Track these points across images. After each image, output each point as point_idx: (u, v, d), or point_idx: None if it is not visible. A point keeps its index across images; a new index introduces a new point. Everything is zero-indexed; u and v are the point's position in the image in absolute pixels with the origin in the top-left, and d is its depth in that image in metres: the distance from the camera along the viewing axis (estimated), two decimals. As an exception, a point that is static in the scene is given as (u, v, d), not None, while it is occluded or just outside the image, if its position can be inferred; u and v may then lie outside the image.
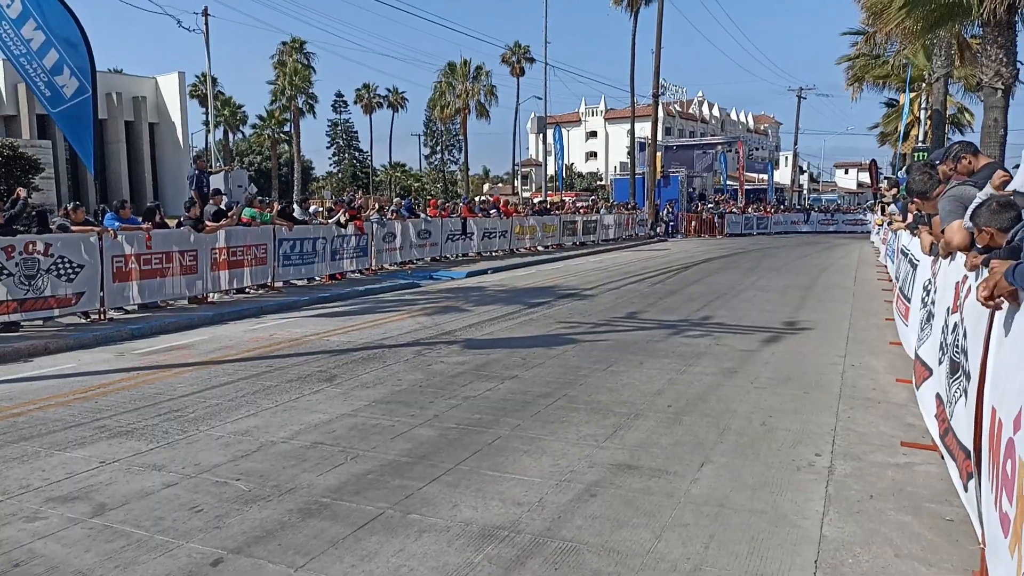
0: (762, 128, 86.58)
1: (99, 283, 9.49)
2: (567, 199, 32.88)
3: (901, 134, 25.79)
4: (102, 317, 9.59)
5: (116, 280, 9.76)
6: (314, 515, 3.57)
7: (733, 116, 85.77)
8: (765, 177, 49.33)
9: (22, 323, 8.94)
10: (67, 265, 9.17)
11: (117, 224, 10.15)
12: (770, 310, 10.26)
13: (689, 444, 4.55)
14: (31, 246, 8.84)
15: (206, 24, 22.38)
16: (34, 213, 9.92)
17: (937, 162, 5.97)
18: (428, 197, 49.13)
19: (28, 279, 8.75)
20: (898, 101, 30.54)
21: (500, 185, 67.93)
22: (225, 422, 5.14)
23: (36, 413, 5.45)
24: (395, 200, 20.30)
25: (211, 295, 11.41)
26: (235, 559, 3.12)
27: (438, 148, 74.27)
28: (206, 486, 3.94)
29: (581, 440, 4.64)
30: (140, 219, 10.98)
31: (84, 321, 9.51)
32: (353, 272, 15.03)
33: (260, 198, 13.95)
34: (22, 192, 9.60)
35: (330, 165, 73.48)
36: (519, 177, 61.41)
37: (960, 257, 3.97)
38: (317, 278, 13.91)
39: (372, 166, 71.90)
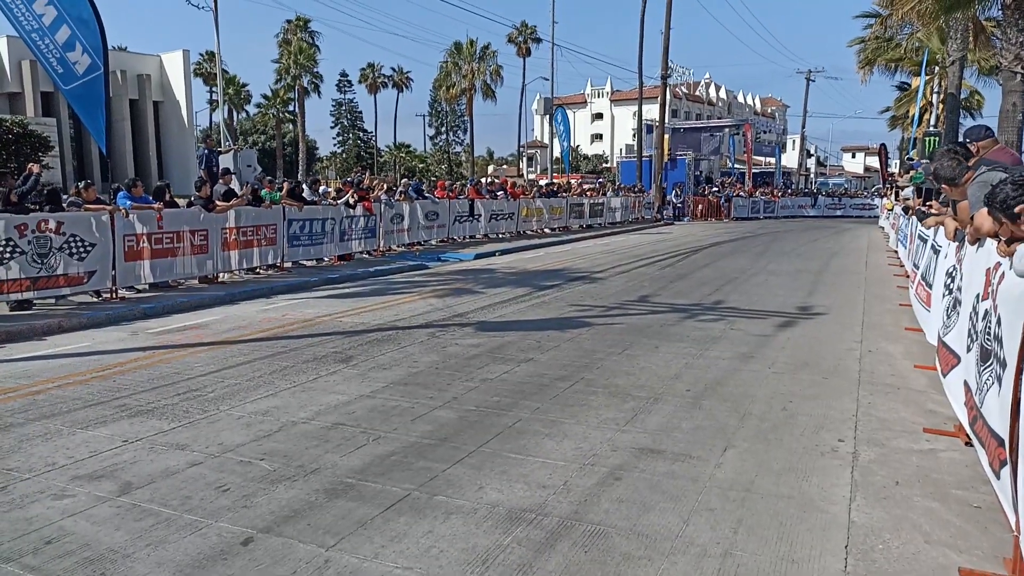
0: (769, 111, 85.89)
1: (111, 262, 9.49)
2: (573, 181, 32.72)
3: (916, 118, 25.55)
4: (113, 296, 9.60)
5: (128, 259, 9.76)
6: (340, 496, 3.57)
7: (740, 99, 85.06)
8: (772, 160, 48.99)
9: (35, 301, 8.94)
10: (79, 243, 9.16)
11: (129, 203, 10.13)
12: (782, 295, 10.22)
13: (710, 429, 4.54)
14: (43, 224, 8.83)
15: (215, 1, 22.16)
16: (44, 191, 9.89)
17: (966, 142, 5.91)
18: (433, 178, 48.94)
19: (41, 257, 8.75)
20: (910, 85, 30.23)
21: (505, 167, 67.59)
22: (244, 402, 5.14)
23: (55, 391, 5.46)
24: (403, 181, 20.22)
25: (221, 275, 11.40)
26: (265, 538, 3.13)
27: (443, 129, 73.83)
28: (231, 465, 3.95)
29: (602, 424, 4.64)
30: (151, 198, 10.96)
31: (96, 300, 9.52)
32: (361, 253, 15.01)
33: (269, 178, 13.90)
34: (35, 168, 9.57)
35: (334, 145, 73.18)
36: (524, 159, 61.12)
37: (989, 243, 3.93)
38: (326, 259, 13.90)
39: (376, 146, 71.59)
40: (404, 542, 3.10)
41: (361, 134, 73.53)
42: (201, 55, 50.01)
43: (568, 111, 37.32)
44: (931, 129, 21.46)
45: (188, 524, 3.26)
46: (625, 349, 6.77)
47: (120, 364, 6.36)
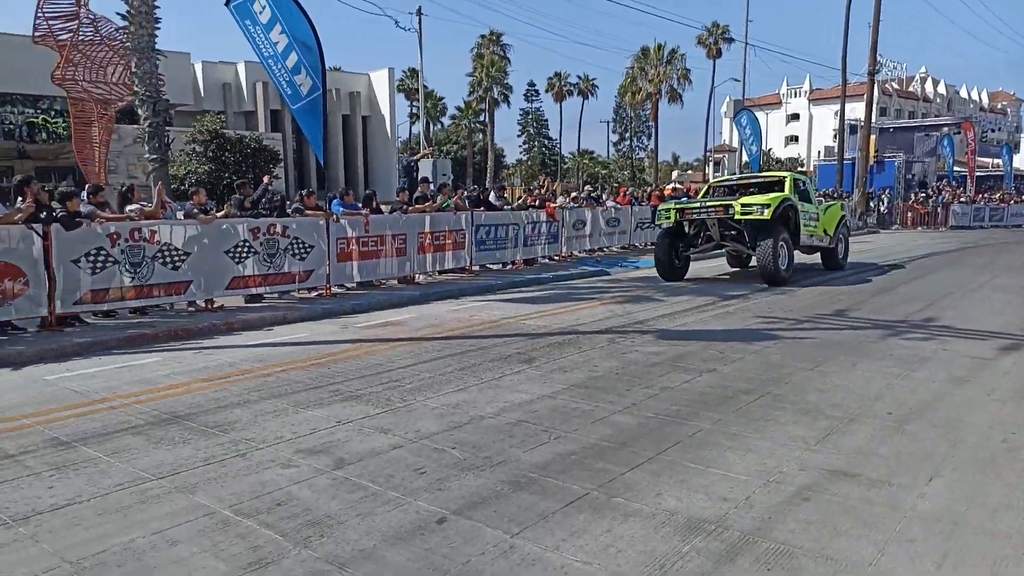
0: (999, 106, 75.88)
1: (326, 262, 10.61)
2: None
3: None
4: (327, 293, 10.70)
5: (339, 260, 10.85)
6: (524, 488, 3.77)
7: (963, 93, 76.09)
8: (1001, 162, 43.32)
9: (264, 295, 10.23)
10: (300, 245, 10.34)
11: (341, 209, 11.25)
12: (1008, 314, 9.07)
13: (914, 455, 4.20)
14: (272, 228, 10.07)
15: (419, 23, 23.94)
16: (275, 199, 11.29)
17: None
18: (615, 184, 48.90)
19: (270, 257, 9.99)
20: None
21: (690, 172, 65.86)
22: (438, 394, 5.56)
23: (282, 375, 6.25)
24: (586, 188, 20.48)
25: (417, 276, 12.29)
26: (457, 520, 3.40)
27: (627, 135, 73.53)
28: (427, 451, 4.31)
29: (789, 441, 4.46)
30: (360, 205, 12.08)
31: (311, 296, 10.67)
32: (544, 258, 15.43)
33: (461, 186, 14.76)
34: (267, 179, 10.96)
35: (520, 153, 75.57)
36: (711, 163, 59.16)
37: None
38: (510, 263, 14.46)
39: (560, 153, 72.88)
40: (583, 538, 3.22)
41: (546, 141, 75.24)
42: (404, 72, 53.96)
43: (760, 112, 35.65)
44: None
45: (391, 500, 3.62)
46: (818, 365, 6.40)
47: (333, 354, 7.12)
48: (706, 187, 15.07)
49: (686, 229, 12.53)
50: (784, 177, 13.02)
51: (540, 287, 12.38)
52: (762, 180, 13.67)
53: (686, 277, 12.84)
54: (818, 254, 13.99)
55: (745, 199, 11.76)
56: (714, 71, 77.05)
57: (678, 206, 12.57)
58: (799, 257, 13.29)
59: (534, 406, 5.24)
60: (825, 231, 13.37)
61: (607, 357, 6.82)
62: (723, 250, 13.71)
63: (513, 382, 5.93)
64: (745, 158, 37.60)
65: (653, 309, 9.64)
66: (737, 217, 11.47)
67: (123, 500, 3.66)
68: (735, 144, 52.07)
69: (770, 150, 62.75)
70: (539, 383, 5.89)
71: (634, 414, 5.03)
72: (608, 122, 73.75)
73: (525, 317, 9.19)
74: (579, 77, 67.62)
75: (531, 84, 73.49)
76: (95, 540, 3.23)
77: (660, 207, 13.36)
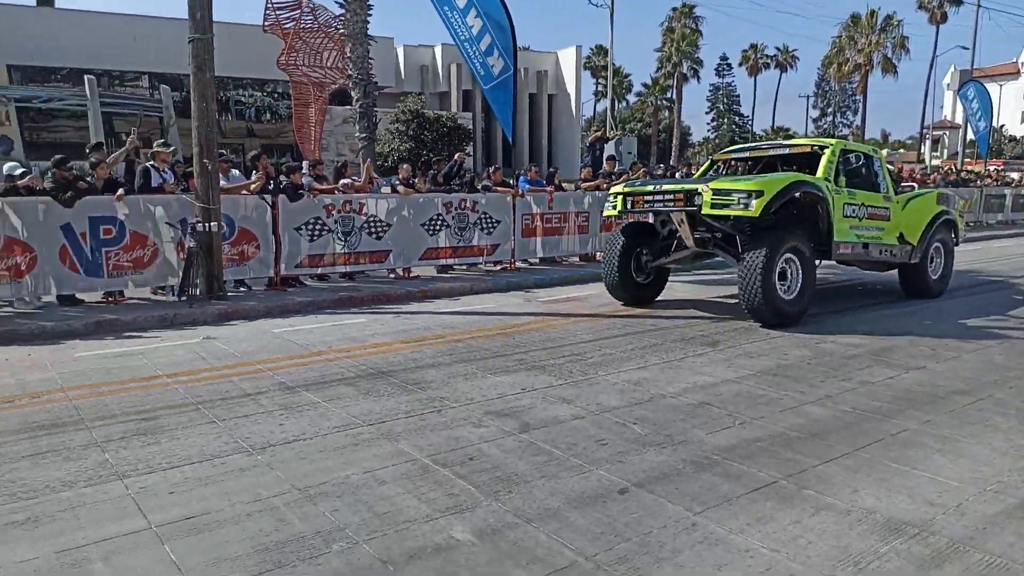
0: None
1: (511, 237, 10.98)
2: (992, 168, 27.51)
3: None
4: (511, 267, 11.09)
5: (524, 235, 11.18)
6: (706, 469, 3.74)
7: None
8: None
9: (453, 266, 10.83)
10: (488, 220, 10.78)
11: (527, 186, 11.57)
12: None
13: None
14: (464, 203, 10.59)
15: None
16: (466, 175, 11.85)
17: None
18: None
19: (460, 230, 10.53)
20: None
21: (902, 152, 59.67)
22: (619, 371, 5.61)
23: (470, 341, 6.63)
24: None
25: (598, 254, 12.34)
26: (638, 492, 3.45)
27: (829, 110, 68.05)
28: (608, 424, 4.40)
29: (1012, 449, 4.00)
30: (543, 182, 12.34)
31: (496, 269, 11.11)
32: (731, 240, 14.82)
33: (636, 163, 14.52)
34: (461, 156, 11.53)
35: (708, 130, 72.67)
36: (927, 142, 53.14)
37: None
38: (695, 244, 14.05)
39: (752, 131, 69.10)
40: (770, 525, 3.14)
41: (736, 118, 71.71)
42: (591, 49, 53.81)
43: (992, 84, 31.42)
44: None
45: (574, 467, 3.75)
46: (1052, 370, 5.65)
47: (517, 325, 7.41)
48: (708, 162, 9.99)
49: (658, 227, 8.47)
50: (825, 146, 8.13)
51: (727, 269, 11.93)
52: (794, 151, 8.59)
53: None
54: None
55: (720, 181, 7.29)
56: (937, 38, 69.20)
57: (628, 190, 8.12)
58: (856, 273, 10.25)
59: (718, 389, 5.14)
60: (902, 237, 8.64)
61: (798, 346, 6.48)
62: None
63: (696, 364, 5.84)
64: (971, 135, 33.41)
65: (852, 299, 8.99)
66: (706, 212, 7.12)
67: (339, 441, 4.13)
68: (959, 120, 46.37)
69: (1002, 127, 55.08)
70: (723, 367, 5.75)
71: (828, 406, 4.76)
72: (808, 96, 68.87)
73: (707, 299, 8.94)
74: (777, 48, 63.60)
75: (723, 57, 70.05)
76: (318, 472, 3.68)
77: (610, 191, 8.69)
